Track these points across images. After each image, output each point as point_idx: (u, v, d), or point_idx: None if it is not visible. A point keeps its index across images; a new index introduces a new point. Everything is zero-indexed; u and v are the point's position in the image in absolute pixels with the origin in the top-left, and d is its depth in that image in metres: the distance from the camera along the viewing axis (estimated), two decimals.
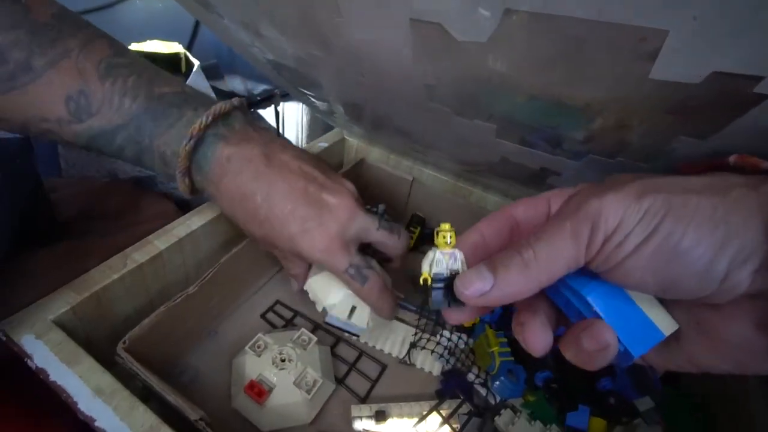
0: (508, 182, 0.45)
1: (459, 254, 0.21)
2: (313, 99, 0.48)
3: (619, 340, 0.18)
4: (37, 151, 0.36)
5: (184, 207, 0.44)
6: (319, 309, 0.39)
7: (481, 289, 0.19)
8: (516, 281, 0.19)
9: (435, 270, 0.21)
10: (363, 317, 0.40)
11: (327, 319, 0.40)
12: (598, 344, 0.18)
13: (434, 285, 0.21)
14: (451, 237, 0.21)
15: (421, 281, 0.21)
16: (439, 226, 0.22)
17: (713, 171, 0.19)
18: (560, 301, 0.21)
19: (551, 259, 0.18)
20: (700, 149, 0.24)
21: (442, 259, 0.21)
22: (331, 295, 0.39)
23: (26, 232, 0.32)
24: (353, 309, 0.39)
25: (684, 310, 0.19)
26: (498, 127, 0.32)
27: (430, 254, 0.22)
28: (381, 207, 0.54)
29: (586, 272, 0.19)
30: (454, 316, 0.23)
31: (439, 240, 0.21)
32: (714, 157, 0.22)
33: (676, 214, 0.16)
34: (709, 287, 0.16)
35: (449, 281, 0.21)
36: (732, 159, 0.20)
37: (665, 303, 0.20)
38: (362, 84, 0.36)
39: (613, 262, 0.18)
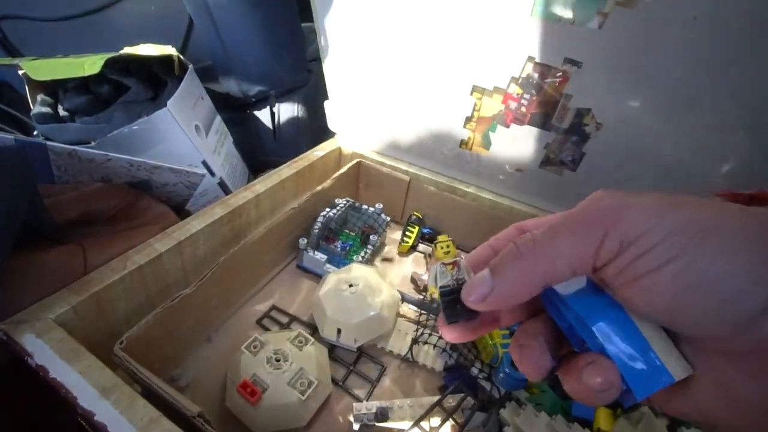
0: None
1: (463, 262, 0.20)
2: None
3: (622, 379, 0.17)
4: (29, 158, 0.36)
5: (178, 210, 0.44)
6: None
7: (483, 293, 0.18)
8: (512, 278, 0.17)
9: (440, 283, 0.20)
10: (350, 337, 0.41)
11: (323, 335, 0.42)
12: (601, 383, 0.16)
13: (443, 298, 0.20)
14: (449, 246, 0.21)
15: (429, 297, 0.20)
16: (436, 237, 0.21)
17: (753, 204, 0.18)
18: (563, 325, 0.19)
19: (553, 256, 0.16)
20: None
21: (445, 270, 0.20)
22: (320, 319, 0.42)
23: (26, 237, 0.33)
24: (339, 331, 0.41)
25: (699, 355, 0.17)
26: None
27: (433, 268, 0.21)
28: (379, 207, 0.55)
29: (594, 293, 0.18)
30: (452, 334, 0.21)
31: (437, 252, 0.21)
32: (754, 189, 0.20)
33: (709, 237, 0.14)
34: (729, 325, 0.14)
35: (457, 292, 0.19)
36: None
37: (680, 344, 0.17)
38: None
39: (628, 277, 0.16)
